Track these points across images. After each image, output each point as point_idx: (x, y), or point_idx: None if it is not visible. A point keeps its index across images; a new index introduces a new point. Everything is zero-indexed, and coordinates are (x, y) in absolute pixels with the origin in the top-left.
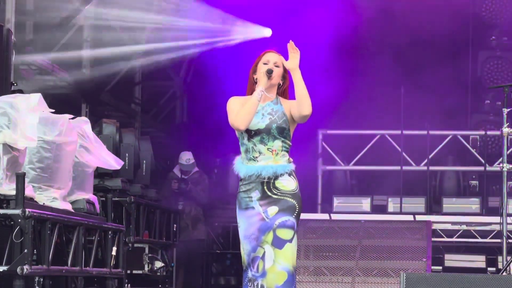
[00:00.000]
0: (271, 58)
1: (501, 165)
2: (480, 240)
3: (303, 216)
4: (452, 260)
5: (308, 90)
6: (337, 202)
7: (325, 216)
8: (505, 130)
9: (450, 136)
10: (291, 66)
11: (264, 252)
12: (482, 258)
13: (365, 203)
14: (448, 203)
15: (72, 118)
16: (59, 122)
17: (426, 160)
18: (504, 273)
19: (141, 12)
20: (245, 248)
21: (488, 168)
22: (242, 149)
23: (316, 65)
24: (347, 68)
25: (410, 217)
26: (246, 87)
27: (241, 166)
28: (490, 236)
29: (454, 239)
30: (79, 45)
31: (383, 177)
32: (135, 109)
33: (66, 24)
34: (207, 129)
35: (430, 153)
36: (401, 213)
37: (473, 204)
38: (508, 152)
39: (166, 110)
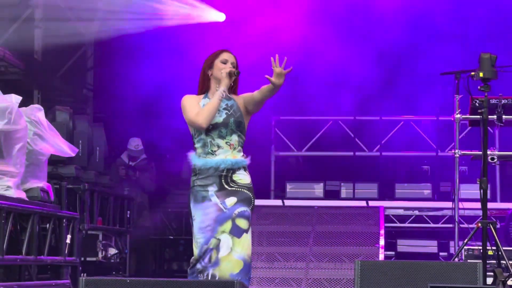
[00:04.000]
0: (228, 58)
1: (453, 151)
2: (432, 225)
3: (256, 202)
4: (405, 245)
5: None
6: (289, 188)
7: (278, 202)
8: (457, 116)
9: (402, 122)
10: (278, 85)
11: (219, 242)
12: (434, 243)
13: (318, 188)
14: (400, 189)
15: (24, 106)
16: (6, 110)
17: (378, 146)
18: (456, 259)
19: None
20: (198, 241)
21: (440, 153)
22: (198, 144)
23: (269, 51)
24: (300, 53)
25: (363, 203)
26: (189, 72)
27: (197, 159)
28: (442, 221)
29: (406, 225)
30: (31, 30)
31: (335, 163)
32: (87, 94)
33: (18, 10)
34: (158, 114)
35: (383, 138)
36: (354, 199)
37: (425, 189)
38: (460, 137)
39: (118, 96)
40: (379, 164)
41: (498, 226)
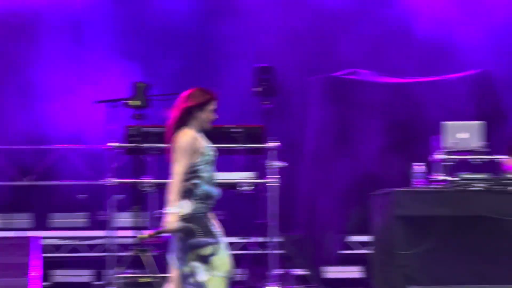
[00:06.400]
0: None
1: (108, 179)
2: (88, 254)
3: None
4: (61, 275)
5: None
6: None
7: None
8: (112, 145)
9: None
10: None
11: None
12: (90, 272)
13: None
14: (56, 218)
15: None
16: None
17: (35, 175)
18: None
19: None
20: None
21: (97, 182)
22: (208, 174)
23: None
24: None
25: (16, 233)
26: None
27: (214, 189)
28: (99, 249)
29: (63, 254)
30: None
31: None
32: None
33: None
34: None
35: (42, 167)
36: (7, 229)
37: (81, 218)
38: (117, 166)
39: None
40: (34, 194)
41: (154, 253)
